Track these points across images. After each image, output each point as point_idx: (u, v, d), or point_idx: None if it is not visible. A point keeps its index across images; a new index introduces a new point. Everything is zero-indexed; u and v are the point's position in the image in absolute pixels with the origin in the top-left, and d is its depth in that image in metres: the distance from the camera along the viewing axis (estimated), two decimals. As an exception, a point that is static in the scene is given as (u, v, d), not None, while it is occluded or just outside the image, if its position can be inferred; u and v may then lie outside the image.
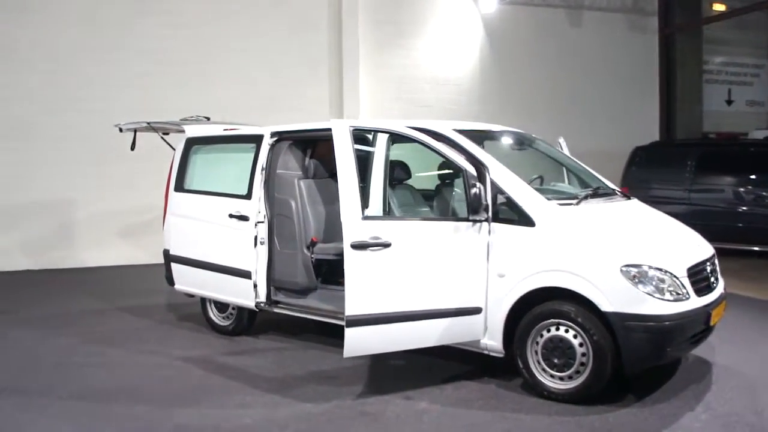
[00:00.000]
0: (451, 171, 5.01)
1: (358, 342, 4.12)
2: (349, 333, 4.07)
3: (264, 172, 5.44)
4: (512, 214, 4.31)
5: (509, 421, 3.95)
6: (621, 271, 3.95)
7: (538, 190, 4.89)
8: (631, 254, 4.02)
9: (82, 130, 9.37)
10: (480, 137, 5.50)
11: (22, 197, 9.38)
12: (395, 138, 4.80)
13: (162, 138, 6.64)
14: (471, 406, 4.18)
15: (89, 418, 4.09)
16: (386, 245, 4.12)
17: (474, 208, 4.21)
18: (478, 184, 4.21)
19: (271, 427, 3.93)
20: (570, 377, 4.14)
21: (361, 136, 4.94)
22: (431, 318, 4.29)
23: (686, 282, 4.09)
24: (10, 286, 8.40)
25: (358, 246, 4.05)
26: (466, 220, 4.30)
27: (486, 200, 4.25)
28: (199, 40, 10.13)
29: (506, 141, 5.65)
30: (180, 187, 6.09)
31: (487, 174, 4.37)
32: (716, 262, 4.77)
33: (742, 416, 3.94)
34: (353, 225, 4.06)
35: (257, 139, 5.53)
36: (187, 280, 6.00)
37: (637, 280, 3.94)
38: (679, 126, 12.49)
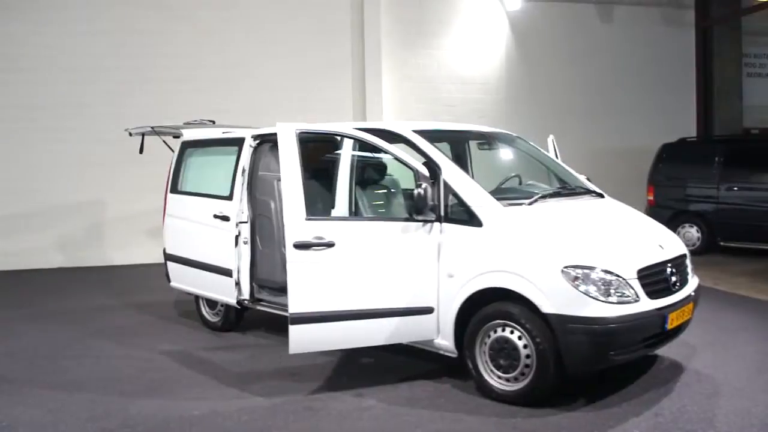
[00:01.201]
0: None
1: (303, 339, 4.21)
2: (293, 330, 4.16)
3: (246, 173, 5.61)
4: (462, 214, 4.31)
5: (446, 421, 3.95)
6: (562, 272, 3.89)
7: (508, 189, 4.91)
8: (572, 255, 3.95)
9: (111, 134, 9.74)
10: (459, 137, 5.54)
11: (57, 199, 9.97)
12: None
13: (163, 141, 6.92)
14: (416, 405, 4.19)
15: (56, 405, 4.35)
16: (330, 245, 4.19)
17: (417, 209, 4.24)
18: (424, 185, 4.23)
19: (215, 418, 4.07)
20: (516, 379, 4.10)
21: (330, 138, 5.07)
22: (380, 317, 4.33)
23: (636, 284, 3.98)
24: (40, 282, 8.93)
25: (301, 246, 4.14)
26: (416, 220, 4.33)
27: (432, 200, 4.27)
28: (223, 46, 10.50)
29: (480, 140, 5.63)
30: (175, 188, 6.37)
31: (439, 174, 4.38)
32: (686, 263, 4.60)
33: (687, 423, 3.80)
34: (296, 225, 4.15)
35: (239, 142, 5.71)
36: (180, 278, 6.27)
37: (578, 282, 3.87)
38: (718, 122, 11.95)
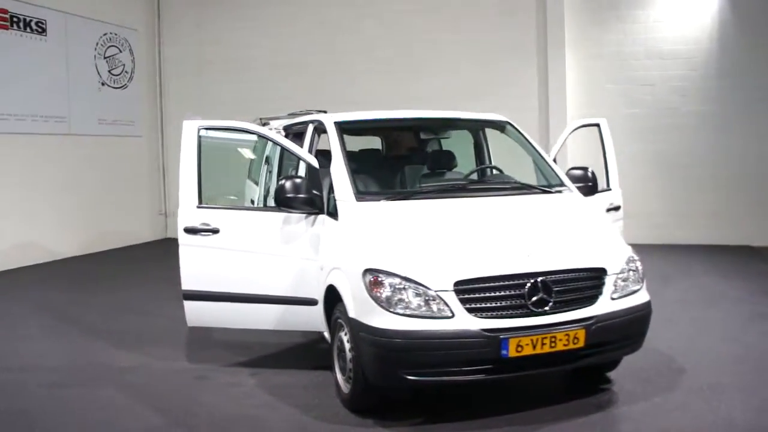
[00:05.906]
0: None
1: (196, 313, 4.61)
2: (187, 305, 4.61)
3: (271, 162, 6.18)
4: (334, 207, 4.24)
5: (266, 408, 4.03)
6: (361, 275, 3.60)
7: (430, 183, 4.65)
8: (376, 258, 3.62)
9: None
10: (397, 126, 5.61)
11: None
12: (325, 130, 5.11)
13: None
14: (276, 391, 4.31)
15: (64, 345, 5.55)
16: (215, 231, 4.52)
17: (277, 201, 4.29)
18: (295, 178, 4.32)
19: (132, 371, 4.80)
20: (347, 382, 3.93)
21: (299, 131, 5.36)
22: (265, 302, 4.49)
23: (450, 297, 3.45)
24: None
25: (190, 230, 4.54)
26: (291, 212, 4.38)
27: (306, 193, 4.27)
28: (411, 36, 10.98)
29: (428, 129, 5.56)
30: (249, 174, 7.24)
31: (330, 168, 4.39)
32: (600, 279, 3.72)
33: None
34: (187, 212, 4.55)
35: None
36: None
37: (375, 288, 3.53)
38: None
